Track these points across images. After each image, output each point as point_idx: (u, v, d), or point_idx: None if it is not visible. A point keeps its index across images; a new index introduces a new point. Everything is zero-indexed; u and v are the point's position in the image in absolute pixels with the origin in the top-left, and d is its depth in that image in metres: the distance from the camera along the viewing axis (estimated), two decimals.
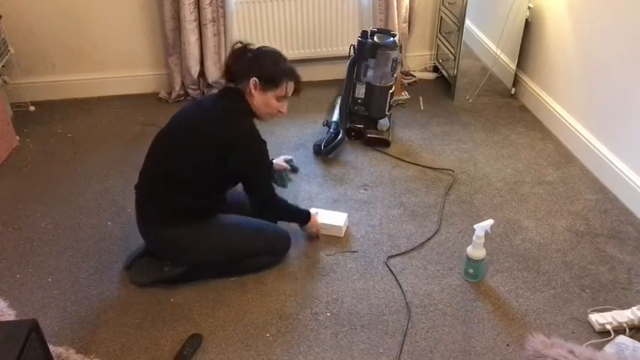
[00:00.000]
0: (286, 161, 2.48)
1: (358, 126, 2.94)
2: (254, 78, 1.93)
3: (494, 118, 3.15)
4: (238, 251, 2.07)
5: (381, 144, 2.88)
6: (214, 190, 2.04)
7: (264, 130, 3.02)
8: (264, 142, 2.01)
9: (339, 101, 2.99)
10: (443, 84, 3.51)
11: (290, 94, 2.04)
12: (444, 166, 2.72)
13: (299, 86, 2.05)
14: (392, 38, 2.81)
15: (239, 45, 2.00)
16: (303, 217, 2.20)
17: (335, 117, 2.94)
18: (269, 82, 1.95)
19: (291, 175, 2.62)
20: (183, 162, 1.93)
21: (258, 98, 1.97)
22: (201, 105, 2.03)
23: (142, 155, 2.73)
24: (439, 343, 1.83)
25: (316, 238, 2.27)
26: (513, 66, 3.24)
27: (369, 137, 2.89)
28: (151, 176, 2.01)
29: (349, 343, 1.83)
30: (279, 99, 2.01)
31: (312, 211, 2.26)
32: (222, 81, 2.10)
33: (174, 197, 1.95)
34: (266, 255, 2.12)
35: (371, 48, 2.78)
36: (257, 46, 2.03)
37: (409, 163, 2.76)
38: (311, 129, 3.06)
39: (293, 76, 2.01)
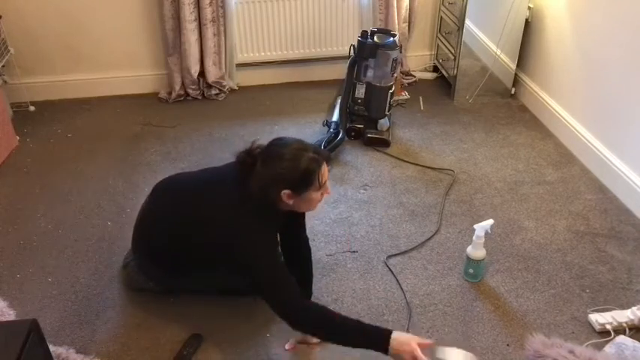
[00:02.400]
0: None
1: (358, 126, 2.94)
2: (284, 191, 1.63)
3: (494, 118, 3.15)
4: (222, 287, 1.95)
5: (381, 144, 2.88)
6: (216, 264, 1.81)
7: (263, 130, 3.04)
8: (270, 249, 1.73)
9: (339, 101, 2.99)
10: (443, 84, 3.51)
11: (326, 178, 1.69)
12: (444, 166, 2.72)
13: (328, 163, 1.74)
14: (392, 38, 2.81)
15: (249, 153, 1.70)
16: (373, 342, 1.56)
17: (335, 117, 2.95)
18: (301, 187, 1.65)
19: None
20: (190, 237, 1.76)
21: (297, 203, 1.69)
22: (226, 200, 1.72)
23: (142, 155, 2.74)
24: (439, 343, 1.83)
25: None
26: (513, 66, 3.24)
27: (369, 137, 2.89)
28: (153, 219, 1.88)
29: None
30: (319, 189, 1.69)
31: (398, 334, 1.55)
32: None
33: (172, 251, 1.82)
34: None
35: (371, 48, 2.78)
36: (264, 143, 1.71)
37: (409, 163, 2.76)
38: (311, 129, 3.06)
39: (319, 163, 1.65)
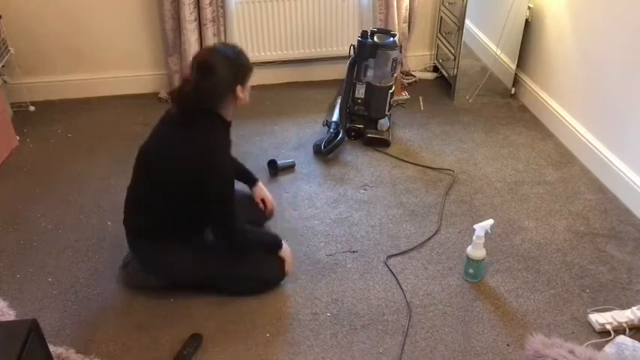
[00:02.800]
0: (276, 165, 2.58)
1: (358, 126, 2.94)
2: (238, 86, 1.80)
3: (494, 118, 3.15)
4: (218, 276, 1.98)
5: (381, 144, 2.88)
6: (193, 214, 1.90)
7: (263, 130, 3.04)
8: (231, 171, 1.90)
9: (339, 101, 2.99)
10: (443, 84, 3.51)
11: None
12: (444, 166, 2.72)
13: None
14: (392, 38, 2.81)
15: (202, 63, 1.79)
16: (273, 245, 2.01)
17: (335, 117, 2.95)
18: (245, 78, 1.84)
19: (291, 174, 2.63)
20: (161, 189, 1.86)
21: (245, 94, 1.85)
22: (173, 134, 1.87)
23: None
24: (439, 343, 1.83)
25: (286, 274, 2.03)
26: (513, 66, 3.24)
27: (369, 137, 2.89)
28: (136, 191, 1.95)
29: (349, 343, 1.83)
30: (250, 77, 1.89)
31: (285, 244, 2.04)
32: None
33: (155, 212, 1.90)
34: (254, 281, 2.01)
35: (371, 48, 2.78)
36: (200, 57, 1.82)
37: (409, 163, 2.76)
38: (311, 129, 3.06)
39: (244, 53, 1.86)
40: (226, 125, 1.90)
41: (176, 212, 1.89)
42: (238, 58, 1.81)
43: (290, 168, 2.72)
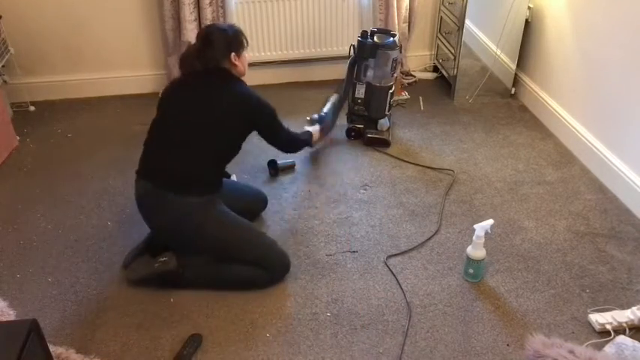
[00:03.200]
0: (277, 165, 2.69)
1: (358, 126, 2.94)
2: (232, 54, 2.11)
3: (494, 118, 3.15)
4: (236, 248, 2.03)
5: (381, 144, 2.88)
6: (231, 153, 2.15)
7: None
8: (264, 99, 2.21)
9: (332, 97, 2.94)
10: (443, 84, 3.51)
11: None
12: (444, 166, 2.72)
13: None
14: (392, 38, 2.81)
15: (205, 32, 2.14)
16: (308, 142, 2.51)
17: (325, 109, 2.86)
18: (239, 47, 2.15)
19: (291, 174, 2.64)
20: (213, 134, 2.05)
21: (241, 64, 2.16)
22: (206, 86, 2.10)
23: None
24: (439, 343, 1.83)
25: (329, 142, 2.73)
26: (513, 66, 3.24)
27: (369, 137, 2.89)
28: (169, 140, 2.05)
29: (349, 343, 1.83)
30: (245, 49, 2.21)
31: (312, 129, 2.58)
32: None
33: (191, 158, 2.03)
34: (260, 269, 2.03)
35: (371, 48, 2.77)
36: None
37: (409, 163, 2.76)
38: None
39: (239, 29, 2.20)
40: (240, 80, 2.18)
41: (212, 156, 2.07)
42: (232, 31, 2.14)
43: (290, 168, 2.73)
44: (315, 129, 2.61)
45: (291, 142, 2.39)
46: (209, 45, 2.09)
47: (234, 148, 2.15)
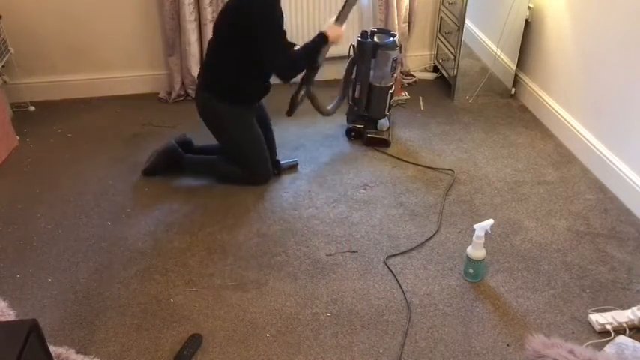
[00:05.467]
0: (281, 165, 2.74)
1: (358, 126, 2.94)
2: None
3: (494, 118, 3.15)
4: (237, 148, 2.57)
5: (381, 144, 2.88)
6: (252, 69, 2.44)
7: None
8: (280, 16, 2.40)
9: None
10: (443, 84, 3.51)
11: None
12: (444, 166, 2.72)
13: None
14: (392, 38, 2.81)
15: None
16: (322, 42, 2.49)
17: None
18: None
19: (291, 174, 2.64)
20: (221, 31, 2.42)
21: None
22: None
23: (142, 155, 2.75)
24: (439, 343, 1.83)
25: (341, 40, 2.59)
26: (513, 66, 3.24)
27: (369, 137, 2.89)
28: (209, 51, 2.51)
29: (349, 343, 1.83)
30: None
31: (327, 28, 2.52)
32: None
33: (217, 65, 2.46)
34: (245, 169, 2.58)
35: (371, 48, 2.77)
36: None
37: (409, 163, 2.76)
38: (311, 129, 3.06)
39: None
40: None
41: (231, 64, 2.42)
42: None
43: (293, 168, 2.73)
44: (330, 30, 2.51)
45: (290, 63, 2.44)
46: None
47: (246, 57, 2.38)
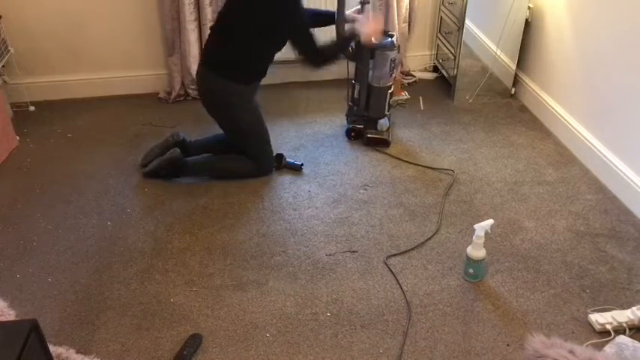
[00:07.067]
0: (283, 160, 2.76)
1: (358, 126, 2.94)
2: None
3: (494, 118, 3.15)
4: (244, 136, 2.61)
5: (381, 144, 2.88)
6: (260, 53, 2.49)
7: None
8: (303, 7, 2.44)
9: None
10: (443, 84, 3.51)
11: None
12: (444, 166, 2.72)
13: None
14: (390, 39, 2.80)
15: None
16: (350, 40, 2.59)
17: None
18: None
19: (291, 173, 2.64)
20: (239, 17, 2.40)
21: None
22: None
23: (141, 155, 2.75)
24: (439, 343, 1.83)
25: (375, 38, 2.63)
26: (513, 66, 3.24)
27: (369, 137, 2.89)
28: (223, 27, 2.46)
29: (349, 343, 1.83)
30: None
31: (355, 25, 2.59)
32: None
33: (229, 50, 2.45)
34: (250, 160, 2.62)
35: (370, 49, 2.77)
36: None
37: (409, 163, 2.76)
38: (311, 129, 3.06)
39: None
40: None
41: (248, 50, 2.43)
42: None
43: (296, 169, 2.71)
44: (361, 26, 2.59)
45: (321, 54, 2.47)
46: None
47: (259, 47, 2.44)
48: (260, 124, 2.61)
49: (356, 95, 2.90)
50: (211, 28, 2.53)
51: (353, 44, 2.64)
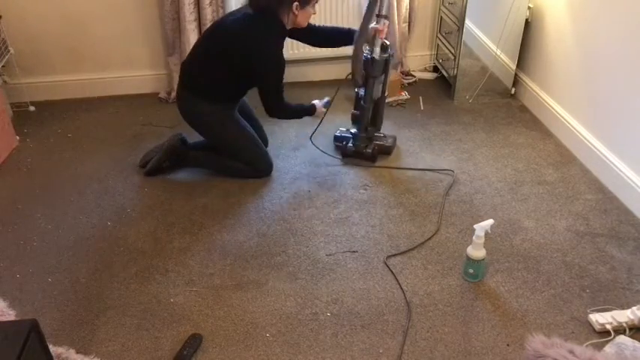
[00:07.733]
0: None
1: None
2: (295, 3, 2.36)
3: (494, 118, 3.15)
4: (233, 149, 2.63)
5: (363, 158, 2.76)
6: (236, 85, 2.56)
7: (265, 132, 3.04)
8: (283, 63, 2.47)
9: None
10: (443, 84, 3.51)
11: None
12: (443, 166, 2.72)
13: None
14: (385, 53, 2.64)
15: None
16: (309, 111, 2.70)
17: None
18: (305, 2, 2.39)
19: (291, 173, 2.63)
20: (216, 59, 2.47)
21: (301, 16, 2.43)
22: (241, 20, 2.43)
23: (141, 155, 2.75)
24: (439, 343, 1.83)
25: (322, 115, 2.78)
26: (513, 66, 3.24)
27: (353, 150, 2.77)
28: (202, 54, 2.51)
29: (349, 343, 1.83)
30: (313, 6, 2.46)
31: (316, 103, 2.74)
32: None
33: (210, 75, 2.49)
34: (247, 166, 2.63)
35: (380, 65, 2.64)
36: None
37: (406, 169, 2.76)
38: (311, 129, 3.05)
39: None
40: (283, 31, 2.46)
41: (224, 80, 2.50)
42: None
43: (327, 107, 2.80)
44: (318, 105, 2.75)
45: (280, 109, 2.58)
46: None
47: (235, 80, 2.51)
48: (244, 134, 2.62)
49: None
50: (194, 46, 2.58)
51: (362, 70, 2.61)
